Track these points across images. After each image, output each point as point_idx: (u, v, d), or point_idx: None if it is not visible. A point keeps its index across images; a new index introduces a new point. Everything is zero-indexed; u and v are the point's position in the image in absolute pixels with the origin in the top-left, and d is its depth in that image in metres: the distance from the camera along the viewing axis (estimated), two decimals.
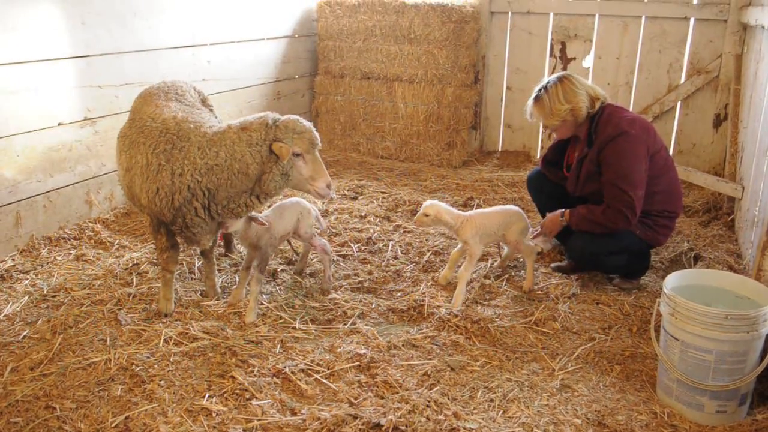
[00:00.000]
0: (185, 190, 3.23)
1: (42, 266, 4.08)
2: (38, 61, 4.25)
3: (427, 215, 3.73)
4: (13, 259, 4.13)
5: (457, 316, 3.49)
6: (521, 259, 4.22)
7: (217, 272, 3.87)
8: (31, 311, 3.54)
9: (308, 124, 3.27)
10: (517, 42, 6.80)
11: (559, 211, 3.90)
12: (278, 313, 3.55)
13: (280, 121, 3.23)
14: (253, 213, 3.46)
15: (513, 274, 4.15)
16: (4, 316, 3.48)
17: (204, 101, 3.93)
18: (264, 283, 3.72)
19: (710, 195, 5.45)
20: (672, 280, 2.99)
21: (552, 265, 4.27)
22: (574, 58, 6.56)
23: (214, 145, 3.22)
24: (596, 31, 6.38)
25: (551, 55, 6.64)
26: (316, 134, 3.29)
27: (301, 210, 3.78)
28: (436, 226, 4.02)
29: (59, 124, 4.47)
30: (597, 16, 6.32)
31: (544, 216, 4.12)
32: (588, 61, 6.49)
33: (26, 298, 3.67)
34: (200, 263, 4.10)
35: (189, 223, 3.32)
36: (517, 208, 4.02)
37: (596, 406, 2.84)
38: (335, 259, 4.26)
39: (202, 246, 3.55)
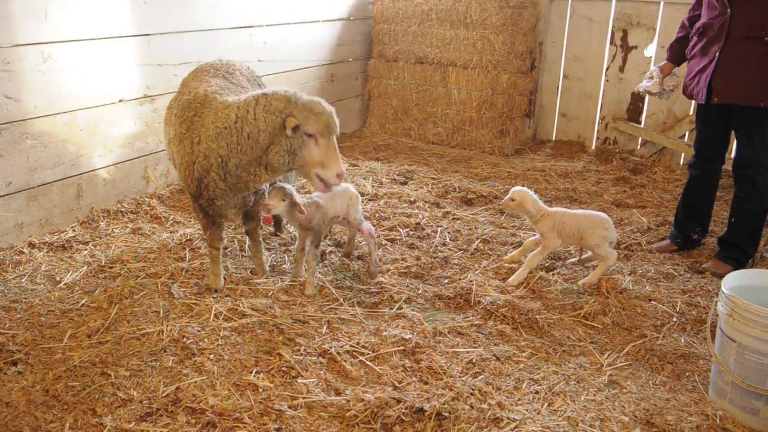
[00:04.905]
0: (202, 158, 3.21)
1: (100, 238, 4.22)
2: (102, 38, 4.37)
3: (513, 200, 3.81)
4: (74, 230, 4.29)
5: (504, 306, 3.45)
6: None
7: (265, 251, 3.93)
8: (89, 281, 3.67)
9: (329, 108, 3.11)
10: (576, 29, 6.62)
11: None
12: (327, 292, 3.59)
13: (302, 99, 3.12)
14: (297, 198, 3.46)
15: (564, 269, 4.07)
16: (64, 284, 3.62)
17: (259, 86, 3.88)
18: (319, 259, 3.76)
19: None
20: (731, 280, 2.89)
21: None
22: (636, 47, 6.34)
23: (227, 108, 3.16)
24: (660, 19, 6.14)
25: (611, 43, 6.44)
26: (336, 120, 3.11)
27: (351, 196, 3.82)
28: (518, 212, 4.11)
29: (120, 101, 4.59)
30: (661, 3, 6.09)
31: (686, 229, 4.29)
32: (650, 50, 6.26)
33: (85, 267, 3.81)
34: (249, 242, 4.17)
35: (212, 195, 3.32)
36: (606, 216, 3.87)
37: (645, 405, 2.78)
38: (383, 243, 4.27)
39: (230, 220, 3.55)
